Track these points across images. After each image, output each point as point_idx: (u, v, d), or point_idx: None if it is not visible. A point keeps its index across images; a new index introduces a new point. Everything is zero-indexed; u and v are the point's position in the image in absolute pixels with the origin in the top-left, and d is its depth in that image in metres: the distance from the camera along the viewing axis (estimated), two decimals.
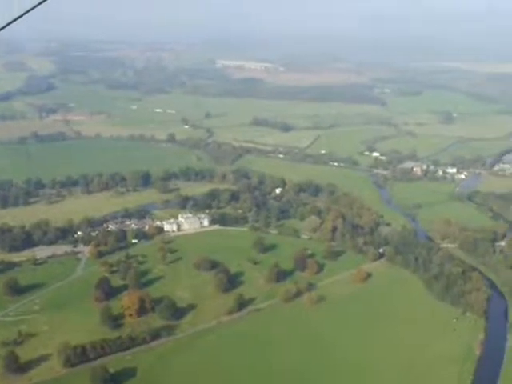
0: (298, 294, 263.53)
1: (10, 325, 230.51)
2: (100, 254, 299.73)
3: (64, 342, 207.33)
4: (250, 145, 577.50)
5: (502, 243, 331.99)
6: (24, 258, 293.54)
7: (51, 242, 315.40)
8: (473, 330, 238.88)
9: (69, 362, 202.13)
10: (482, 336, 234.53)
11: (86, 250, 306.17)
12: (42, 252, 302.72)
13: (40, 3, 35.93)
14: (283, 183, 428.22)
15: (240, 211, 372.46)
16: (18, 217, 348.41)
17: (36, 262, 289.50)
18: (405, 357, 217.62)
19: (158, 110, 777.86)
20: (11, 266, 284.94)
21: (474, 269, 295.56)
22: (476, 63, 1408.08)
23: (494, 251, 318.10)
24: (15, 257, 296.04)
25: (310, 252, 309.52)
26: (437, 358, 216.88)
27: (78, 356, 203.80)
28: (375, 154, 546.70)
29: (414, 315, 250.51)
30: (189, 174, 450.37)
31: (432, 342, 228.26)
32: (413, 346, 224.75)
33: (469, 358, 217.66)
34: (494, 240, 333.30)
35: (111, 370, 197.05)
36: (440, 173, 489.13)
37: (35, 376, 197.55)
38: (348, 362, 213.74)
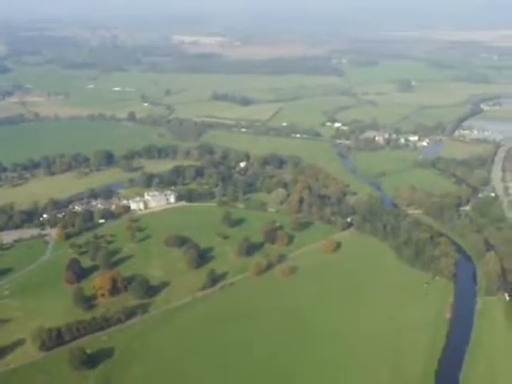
0: (270, 266, 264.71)
1: None
2: (67, 236, 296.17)
3: (38, 326, 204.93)
4: (212, 120, 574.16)
5: (467, 208, 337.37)
6: None
7: (17, 226, 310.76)
8: (443, 294, 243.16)
9: (44, 346, 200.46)
10: (451, 299, 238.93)
11: (53, 233, 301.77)
12: (8, 236, 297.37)
13: None
14: (247, 157, 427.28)
15: (206, 187, 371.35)
16: None
17: (3, 247, 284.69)
18: (379, 324, 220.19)
19: (116, 89, 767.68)
20: None
21: (441, 234, 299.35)
22: (430, 31, 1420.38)
23: (460, 216, 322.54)
24: None
25: (278, 224, 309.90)
26: (410, 323, 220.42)
27: (53, 339, 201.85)
28: (337, 125, 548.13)
29: (385, 282, 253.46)
30: (152, 152, 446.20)
31: (405, 308, 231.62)
32: (386, 313, 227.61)
33: (440, 322, 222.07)
34: (459, 205, 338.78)
35: (88, 351, 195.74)
36: (402, 141, 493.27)
37: (12, 361, 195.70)
38: (323, 332, 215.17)
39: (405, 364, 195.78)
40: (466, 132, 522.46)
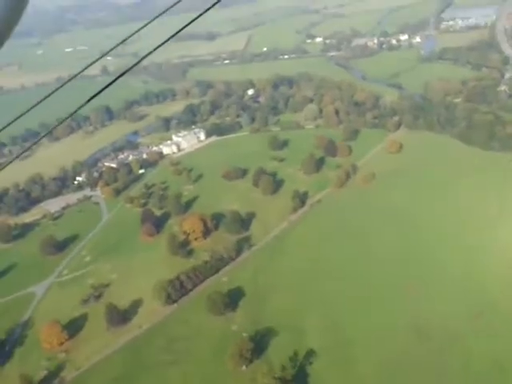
0: (347, 177, 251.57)
1: (74, 282, 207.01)
2: (116, 192, 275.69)
3: (157, 280, 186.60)
4: (189, 59, 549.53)
5: (503, 88, 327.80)
6: (38, 216, 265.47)
7: (55, 194, 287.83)
8: None
9: (170, 299, 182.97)
10: None
11: (98, 193, 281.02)
12: (52, 206, 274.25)
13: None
14: (252, 84, 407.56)
15: (228, 118, 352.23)
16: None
17: (54, 217, 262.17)
18: (495, 210, 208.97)
19: (68, 50, 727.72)
20: (29, 227, 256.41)
21: (496, 116, 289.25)
22: None
23: (501, 96, 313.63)
24: (26, 217, 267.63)
25: (327, 138, 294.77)
26: None
27: (177, 291, 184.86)
28: (319, 39, 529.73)
29: (472, 168, 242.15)
30: (149, 98, 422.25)
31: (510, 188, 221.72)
32: (500, 196, 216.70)
33: None
34: (495, 86, 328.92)
35: (223, 292, 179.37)
36: (394, 42, 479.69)
37: (143, 323, 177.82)
38: (446, 225, 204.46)
39: None
40: (451, 23, 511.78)
